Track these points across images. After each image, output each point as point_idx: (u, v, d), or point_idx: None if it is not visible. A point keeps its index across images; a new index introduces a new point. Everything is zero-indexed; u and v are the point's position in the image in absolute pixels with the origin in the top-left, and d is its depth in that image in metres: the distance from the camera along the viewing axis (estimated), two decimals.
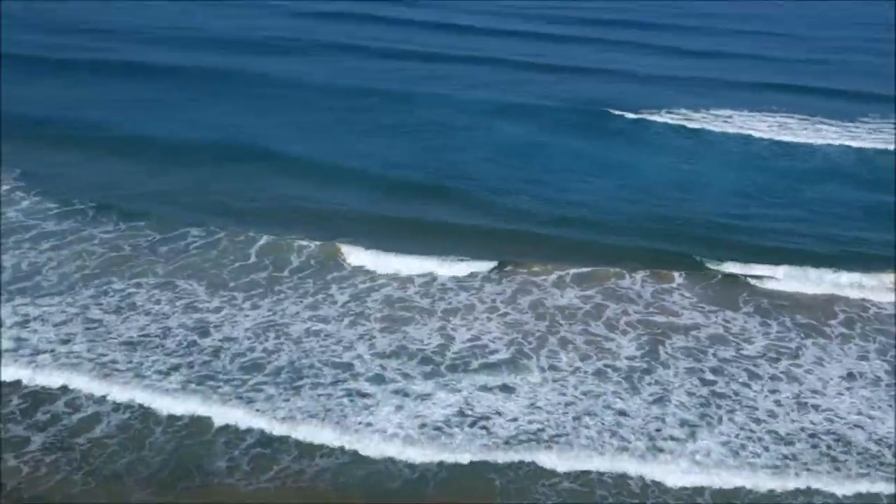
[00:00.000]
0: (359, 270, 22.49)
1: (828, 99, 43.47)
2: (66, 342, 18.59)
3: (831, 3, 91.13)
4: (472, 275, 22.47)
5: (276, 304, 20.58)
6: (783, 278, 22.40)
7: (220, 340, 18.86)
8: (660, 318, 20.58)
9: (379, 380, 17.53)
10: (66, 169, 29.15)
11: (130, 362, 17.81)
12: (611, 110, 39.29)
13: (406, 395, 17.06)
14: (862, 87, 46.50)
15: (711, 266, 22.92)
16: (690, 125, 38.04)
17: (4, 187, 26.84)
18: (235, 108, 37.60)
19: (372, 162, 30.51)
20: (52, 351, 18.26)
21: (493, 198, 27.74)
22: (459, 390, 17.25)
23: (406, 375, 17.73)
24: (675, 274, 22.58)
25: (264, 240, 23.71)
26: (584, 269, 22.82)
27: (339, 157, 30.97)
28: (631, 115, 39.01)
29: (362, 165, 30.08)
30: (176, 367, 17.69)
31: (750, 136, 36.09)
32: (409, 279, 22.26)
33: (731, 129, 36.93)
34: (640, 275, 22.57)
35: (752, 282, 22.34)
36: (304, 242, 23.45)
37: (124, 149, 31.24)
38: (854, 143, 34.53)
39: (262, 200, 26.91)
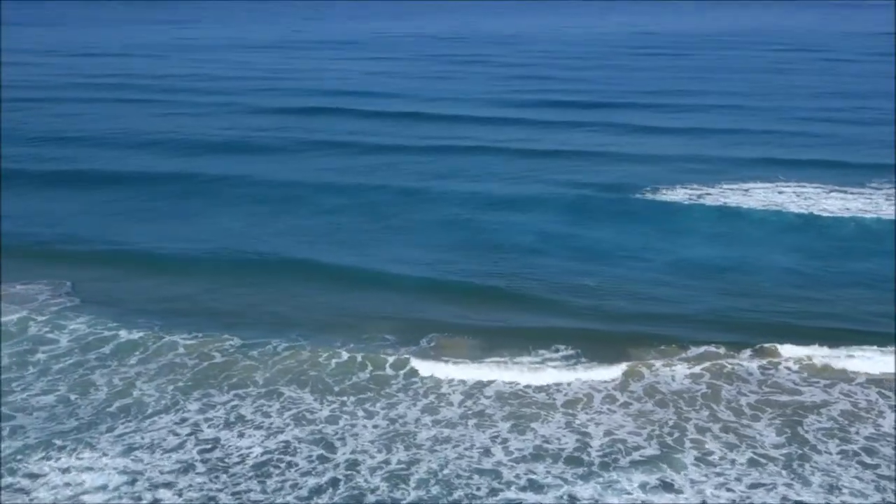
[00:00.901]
0: (450, 371, 22.37)
1: (827, 168, 45.57)
2: (185, 471, 17.79)
3: (779, 76, 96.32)
4: (576, 366, 22.56)
5: (390, 408, 20.22)
6: (872, 356, 23.00)
7: (350, 454, 18.37)
8: (783, 398, 20.83)
9: (537, 486, 17.24)
10: (98, 283, 29.04)
11: (266, 492, 17.10)
12: (630, 194, 40.53)
13: (576, 499, 16.79)
14: (851, 156, 48.99)
15: (793, 345, 23.49)
16: (712, 202, 39.29)
17: (53, 302, 26.25)
18: (242, 215, 37.78)
19: (409, 265, 31.12)
20: (173, 485, 17.43)
21: (550, 295, 28.24)
22: (627, 491, 17.05)
23: (562, 478, 17.47)
24: (779, 347, 23.14)
25: (346, 342, 23.45)
26: (688, 353, 23.15)
27: (371, 261, 31.52)
28: (650, 196, 40.17)
29: (400, 270, 30.56)
30: (318, 490, 17.10)
31: (779, 210, 37.32)
32: (509, 373, 22.13)
33: (755, 204, 38.32)
34: (746, 353, 23.01)
35: (844, 358, 22.85)
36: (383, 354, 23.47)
37: (149, 263, 31.06)
38: (884, 214, 36.02)
39: (315, 310, 27.06)
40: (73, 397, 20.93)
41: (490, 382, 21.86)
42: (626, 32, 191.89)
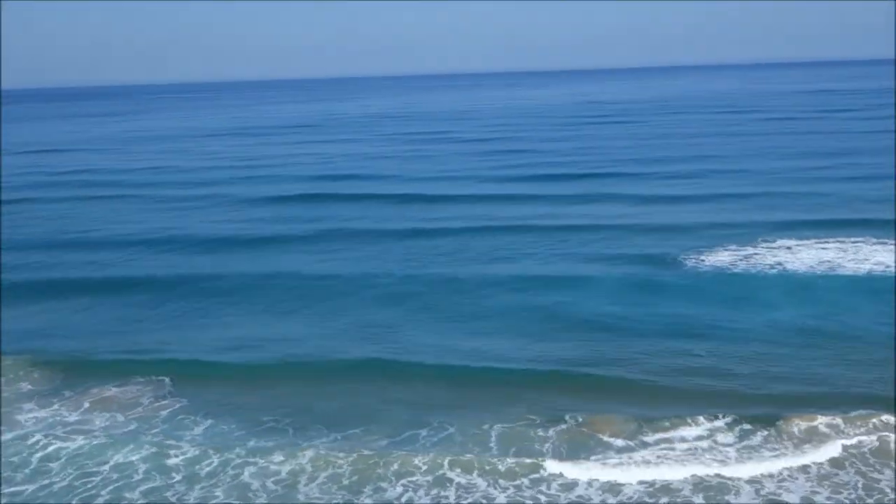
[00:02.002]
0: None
1: (854, 227, 45.52)
2: None
3: (740, 138, 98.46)
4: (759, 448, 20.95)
5: None
6: None
7: None
8: None
9: None
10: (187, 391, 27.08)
11: None
12: (676, 263, 39.77)
13: None
14: (869, 212, 49.21)
15: None
16: (761, 261, 38.90)
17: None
18: (292, 315, 35.19)
19: (494, 357, 29.40)
20: None
21: (670, 377, 26.52)
22: None
23: None
24: None
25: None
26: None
27: (453, 355, 29.70)
28: (697, 262, 39.39)
29: (489, 362, 28.83)
30: None
31: (828, 273, 36.83)
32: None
33: (809, 260, 37.74)
34: None
35: None
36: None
37: (225, 371, 28.53)
38: None
39: (432, 411, 24.70)
40: None
41: (674, 482, 19.93)
42: (572, 102, 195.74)
